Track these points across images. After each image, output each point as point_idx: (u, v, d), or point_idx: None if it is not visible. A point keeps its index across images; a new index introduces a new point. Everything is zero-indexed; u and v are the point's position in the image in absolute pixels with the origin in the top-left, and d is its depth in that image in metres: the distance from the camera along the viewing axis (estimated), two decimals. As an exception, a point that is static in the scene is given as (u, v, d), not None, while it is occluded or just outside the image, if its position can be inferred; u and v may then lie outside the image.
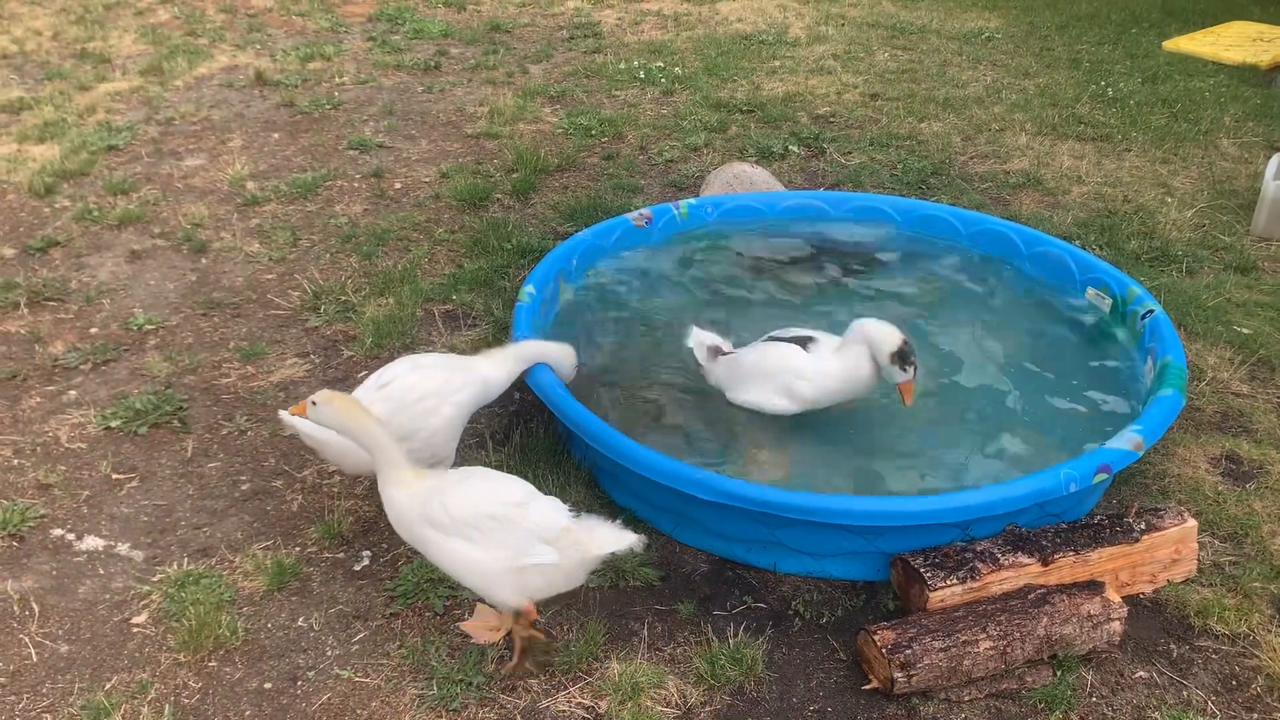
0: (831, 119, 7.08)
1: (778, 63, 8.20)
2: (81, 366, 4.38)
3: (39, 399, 4.17)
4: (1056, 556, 3.16)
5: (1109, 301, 4.26)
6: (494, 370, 3.55)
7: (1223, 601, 3.24)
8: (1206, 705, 2.96)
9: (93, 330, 4.67)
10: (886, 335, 3.51)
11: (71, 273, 5.15)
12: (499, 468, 3.70)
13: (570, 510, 2.92)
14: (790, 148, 6.54)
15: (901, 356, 3.50)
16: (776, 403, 3.68)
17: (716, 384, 3.82)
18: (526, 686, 2.97)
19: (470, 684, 2.95)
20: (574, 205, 5.74)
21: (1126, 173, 6.21)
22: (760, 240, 4.93)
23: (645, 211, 4.81)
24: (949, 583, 3.06)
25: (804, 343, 3.66)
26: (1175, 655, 3.12)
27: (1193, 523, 3.32)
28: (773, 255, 4.85)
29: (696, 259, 4.76)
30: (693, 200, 4.96)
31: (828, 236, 4.96)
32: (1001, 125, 6.90)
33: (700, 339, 3.91)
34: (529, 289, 4.09)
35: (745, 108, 7.25)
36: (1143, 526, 3.27)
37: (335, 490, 3.72)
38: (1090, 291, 4.36)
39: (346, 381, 4.24)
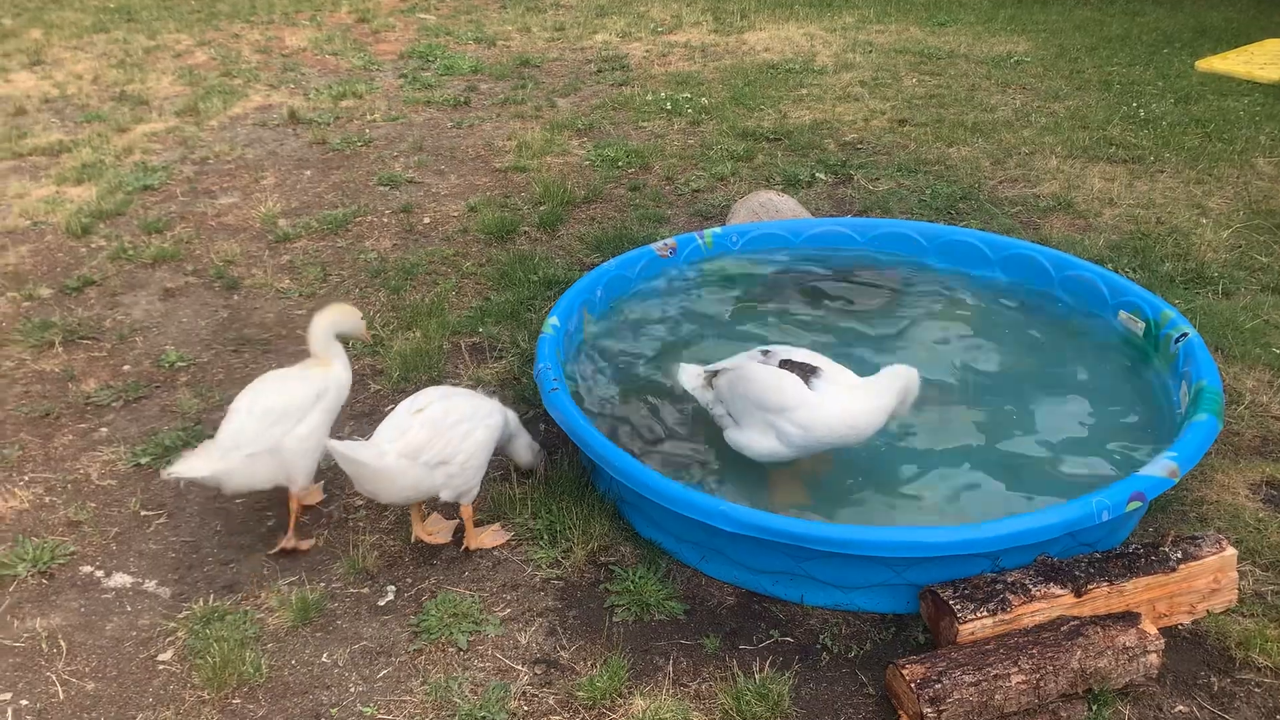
0: (859, 146, 7.06)
1: (804, 91, 8.20)
2: (113, 404, 4.43)
3: (71, 436, 4.22)
4: (1090, 587, 3.08)
5: (1142, 325, 4.19)
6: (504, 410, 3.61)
7: (1265, 632, 3.14)
8: (1249, 740, 2.87)
9: (125, 368, 4.72)
10: (917, 385, 3.47)
11: (106, 311, 5.22)
12: (524, 500, 3.72)
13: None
14: (817, 175, 6.52)
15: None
16: (763, 447, 3.49)
17: (718, 418, 3.68)
18: (550, 723, 2.94)
19: (493, 721, 2.92)
20: (600, 236, 5.75)
21: (1160, 194, 6.13)
22: (786, 268, 4.90)
23: (670, 241, 4.81)
24: (979, 615, 3.00)
25: (808, 374, 3.47)
26: (1216, 689, 3.03)
27: (1232, 551, 3.23)
28: (798, 283, 4.82)
29: (721, 288, 4.74)
30: (717, 229, 4.95)
31: (854, 264, 4.92)
32: (1031, 149, 6.85)
33: (690, 372, 3.80)
34: (553, 320, 4.09)
35: (772, 136, 7.25)
36: (1180, 555, 3.19)
37: (361, 524, 3.72)
38: (1123, 315, 4.29)
39: (373, 415, 4.26)
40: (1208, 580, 3.22)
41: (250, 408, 3.46)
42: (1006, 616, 3.02)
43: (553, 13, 11.86)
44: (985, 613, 3.01)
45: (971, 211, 5.99)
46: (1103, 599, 3.10)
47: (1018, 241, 4.79)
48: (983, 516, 3.42)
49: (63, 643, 3.22)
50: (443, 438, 3.33)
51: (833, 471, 3.74)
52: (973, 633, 3.00)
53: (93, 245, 5.94)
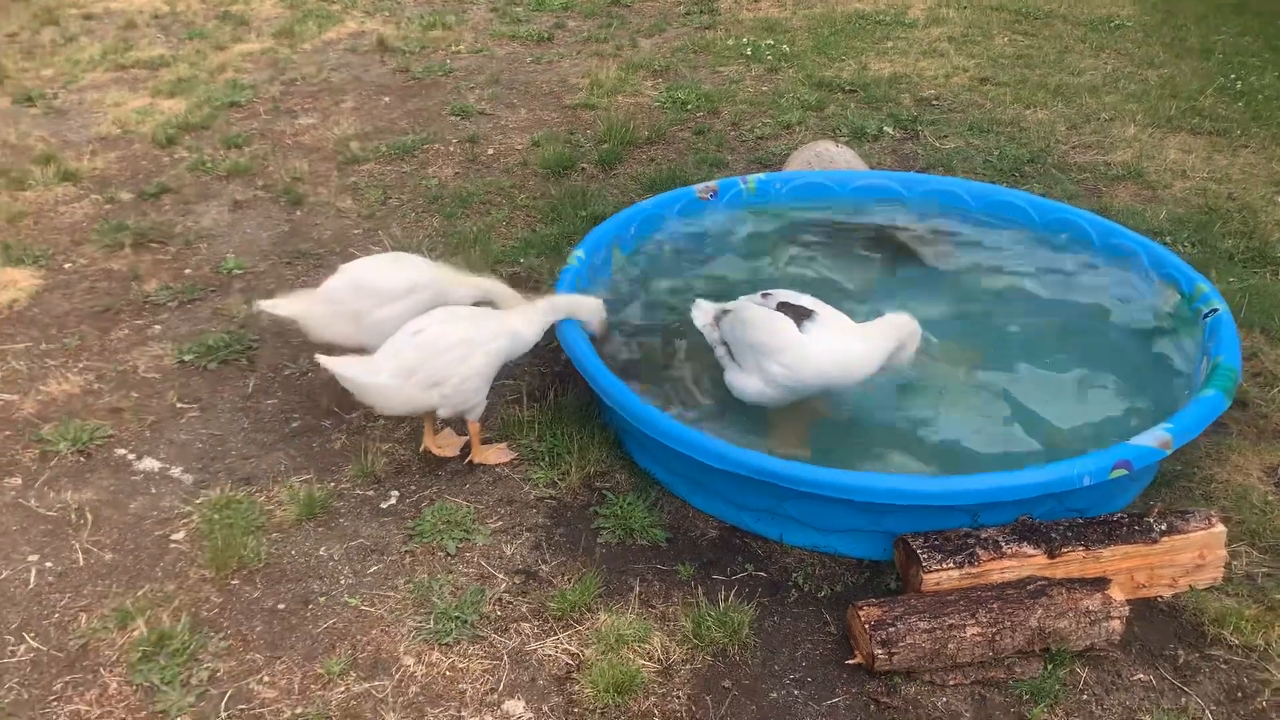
0: (935, 102, 6.93)
1: (890, 44, 8.05)
2: (169, 304, 4.70)
3: (127, 331, 4.50)
4: (1065, 550, 3.09)
5: (1176, 298, 4.09)
6: (524, 324, 3.67)
7: (1243, 612, 3.11)
8: (1204, 714, 2.86)
9: (186, 271, 4.99)
10: (918, 337, 3.49)
11: (177, 218, 5.50)
12: (532, 423, 3.85)
13: None
14: (885, 129, 6.44)
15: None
16: (752, 388, 3.54)
17: (720, 358, 3.72)
18: (518, 629, 3.09)
19: (466, 622, 3.08)
20: (655, 177, 5.81)
21: (1238, 169, 5.89)
22: (828, 219, 4.90)
23: (711, 184, 4.84)
24: (945, 566, 3.03)
25: (802, 317, 3.47)
26: (1181, 661, 3.01)
27: (1220, 528, 3.18)
28: (837, 235, 4.81)
29: (758, 234, 4.77)
30: (761, 175, 4.96)
31: (898, 218, 4.89)
32: (1112, 115, 6.63)
33: (703, 309, 3.83)
34: (578, 253, 4.18)
35: (848, 87, 7.16)
36: (1164, 528, 3.16)
37: (378, 433, 3.90)
38: (1158, 286, 4.19)
39: (406, 333, 4.43)
40: (1192, 555, 3.18)
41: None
42: (974, 570, 3.05)
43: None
44: (952, 564, 3.04)
45: (1036, 175, 5.86)
46: (1077, 563, 3.10)
47: (1062, 205, 4.69)
48: (977, 469, 3.44)
49: (89, 515, 3.49)
50: (436, 360, 3.46)
51: (836, 418, 3.78)
52: (938, 583, 3.04)
53: (175, 155, 6.24)
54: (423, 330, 3.54)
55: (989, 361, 4.03)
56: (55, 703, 2.85)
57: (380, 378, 3.46)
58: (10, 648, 3.01)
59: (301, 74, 7.60)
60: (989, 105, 6.83)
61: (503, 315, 3.70)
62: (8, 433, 3.85)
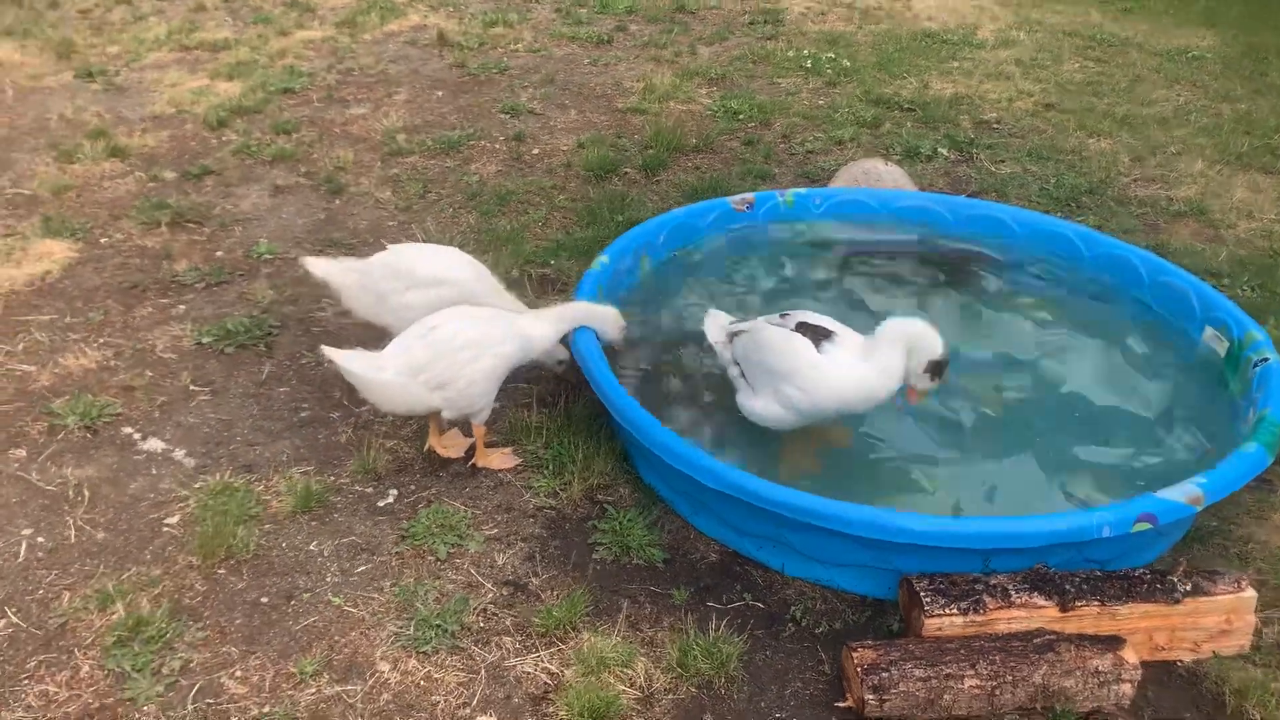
0: (995, 125, 6.73)
1: (955, 64, 7.85)
2: (196, 285, 4.69)
3: (151, 309, 4.50)
4: (1079, 604, 2.91)
5: (1226, 344, 3.88)
6: (537, 328, 3.58)
7: (1269, 685, 2.90)
8: (1215, 792, 2.67)
9: (218, 253, 4.99)
10: (934, 342, 3.26)
11: (217, 199, 5.51)
12: (540, 429, 3.76)
13: None
14: (939, 150, 6.26)
15: (938, 369, 3.27)
16: (768, 412, 3.41)
17: (733, 379, 3.59)
18: (499, 643, 2.99)
19: (446, 631, 2.99)
20: (698, 185, 5.69)
21: (1310, 213, 5.62)
22: (865, 238, 4.74)
23: (748, 196, 4.72)
24: (948, 611, 2.88)
25: (820, 338, 3.33)
26: (1196, 733, 2.83)
27: (1251, 593, 2.98)
28: (873, 256, 4.66)
29: (791, 250, 4.63)
30: (801, 190, 4.82)
31: (938, 243, 4.73)
32: (1179, 149, 6.37)
33: (716, 323, 3.71)
34: (602, 258, 4.09)
35: (906, 105, 6.98)
36: (1188, 588, 2.97)
37: (384, 429, 3.84)
38: (1208, 331, 3.98)
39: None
40: (1218, 619, 2.99)
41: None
42: (979, 618, 2.89)
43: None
44: (956, 610, 2.88)
45: (1094, 207, 5.64)
46: (1091, 619, 2.93)
47: (1112, 239, 4.49)
48: (1004, 513, 3.28)
49: (87, 493, 3.47)
50: (444, 360, 3.39)
51: (853, 448, 3.64)
52: (939, 628, 2.89)
53: (224, 138, 6.26)
54: (435, 328, 3.46)
55: (1021, 398, 3.87)
56: (27, 681, 2.82)
57: (386, 374, 3.39)
58: (-11, 621, 3.00)
59: (359, 64, 7.62)
60: (1051, 132, 6.61)
61: (515, 318, 3.61)
62: (20, 404, 3.86)
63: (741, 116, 6.74)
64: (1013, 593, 2.92)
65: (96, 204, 5.40)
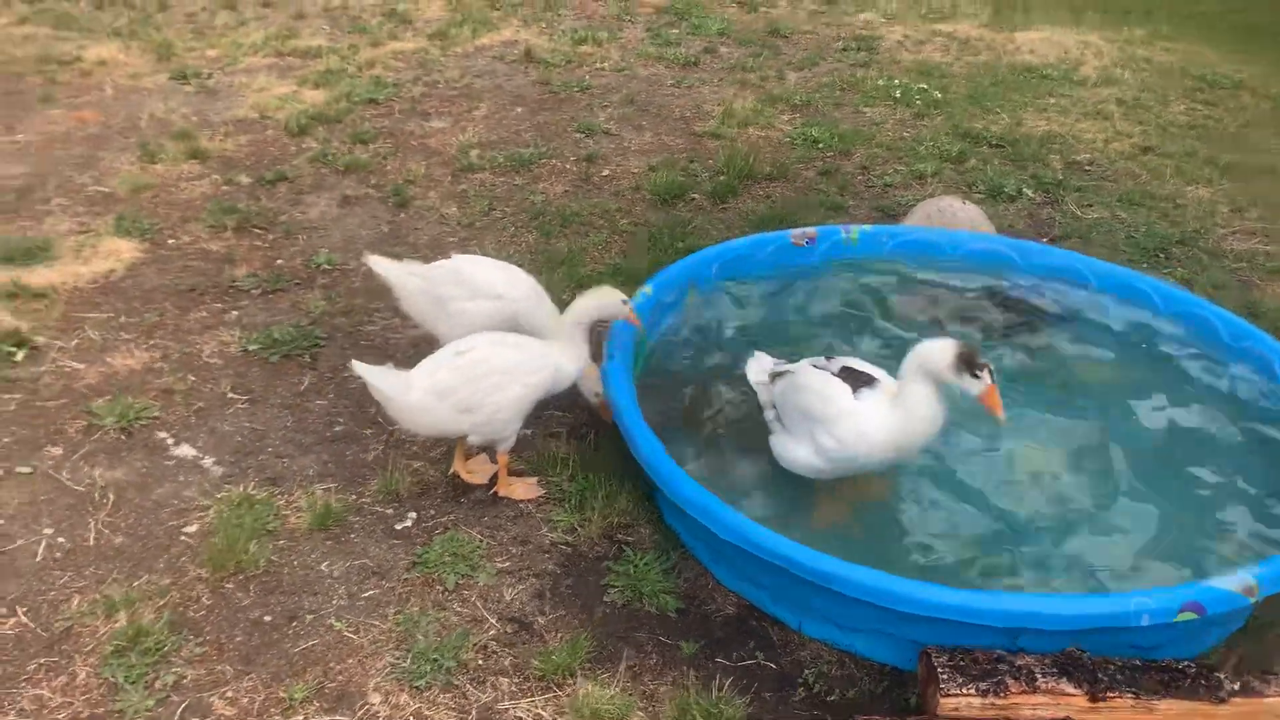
0: (1087, 167, 6.43)
1: (1053, 100, 7.55)
2: (252, 291, 4.73)
3: (205, 314, 4.55)
4: (1111, 694, 2.70)
5: (1309, 419, 3.60)
6: (568, 358, 3.51)
7: (1320, 802, 2.65)
8: None
9: (279, 261, 5.03)
10: (939, 348, 3.04)
11: (286, 206, 5.57)
12: (566, 461, 3.68)
13: None
14: (1024, 190, 6.01)
15: (966, 360, 3.00)
16: (799, 457, 3.28)
17: (769, 421, 3.47)
18: (495, 683, 2.90)
19: (442, 666, 2.92)
20: (766, 215, 5.56)
21: None
22: (932, 281, 4.55)
23: (810, 230, 4.56)
24: (966, 691, 2.69)
25: (861, 384, 3.17)
26: None
27: (1308, 698, 2.73)
28: (936, 300, 4.46)
29: (849, 289, 4.46)
30: (867, 226, 4.66)
31: (1006, 290, 4.51)
32: (1286, 201, 6.01)
33: (759, 365, 3.58)
34: (645, 289, 4.00)
35: (995, 142, 6.73)
36: (1236, 687, 2.73)
37: (414, 449, 3.80)
38: (1291, 403, 3.70)
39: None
40: (1268, 724, 2.74)
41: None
42: (1000, 701, 2.70)
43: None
44: (974, 690, 2.70)
45: (1184, 258, 5.34)
46: (1125, 711, 2.71)
47: (1194, 298, 4.22)
48: (1049, 588, 3.07)
49: (112, 496, 3.49)
50: (473, 385, 3.33)
51: (892, 505, 3.46)
52: (955, 709, 2.70)
53: (303, 145, 6.34)
54: (466, 352, 3.41)
55: (1081, 462, 3.63)
56: (25, 684, 2.83)
57: (413, 395, 3.34)
58: (1, 619, 3.02)
59: (445, 77, 7.67)
60: (1146, 177, 6.29)
61: (547, 347, 3.54)
62: (64, 401, 3.92)
63: (821, 145, 6.58)
64: (1039, 676, 2.72)
65: (170, 205, 5.51)
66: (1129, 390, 4.00)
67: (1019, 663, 2.76)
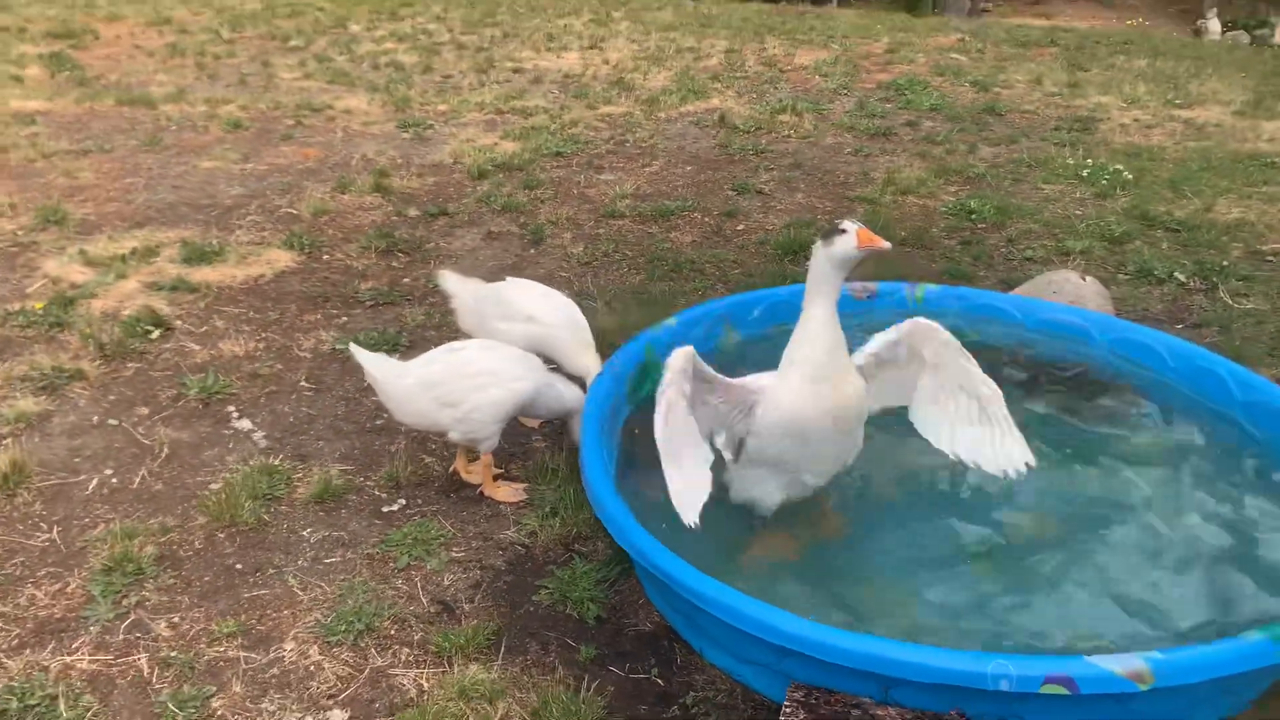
0: (1270, 258, 5.84)
1: (1266, 188, 6.90)
2: (368, 302, 5.26)
3: (320, 316, 5.11)
4: (965, 764, 2.51)
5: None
6: (567, 388, 3.75)
7: None
8: None
9: (404, 280, 5.56)
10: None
11: (437, 237, 6.14)
12: (555, 472, 3.85)
13: None
14: (1176, 275, 5.55)
15: (826, 233, 3.11)
16: (737, 477, 3.30)
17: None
18: (396, 652, 3.10)
19: (354, 629, 3.15)
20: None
21: None
22: (994, 347, 4.33)
23: (870, 285, 4.50)
24: (805, 729, 2.60)
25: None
26: None
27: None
28: (992, 367, 4.24)
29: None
30: (934, 286, 4.52)
31: (1074, 362, 4.22)
32: None
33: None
34: (670, 320, 4.11)
35: (1172, 225, 6.26)
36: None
37: (434, 447, 4.10)
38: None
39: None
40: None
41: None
42: (842, 748, 2.58)
43: (1098, 71, 11.08)
44: (814, 731, 2.59)
45: (1340, 358, 4.74)
46: (981, 786, 2.51)
47: (1271, 385, 3.77)
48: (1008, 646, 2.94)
49: (167, 451, 4.02)
50: (457, 382, 3.58)
51: (860, 542, 3.37)
52: (794, 746, 2.61)
53: (478, 188, 6.94)
54: (458, 350, 3.69)
55: (1088, 534, 3.38)
56: (30, 585, 3.33)
57: (405, 381, 3.65)
58: (37, 533, 3.57)
59: (636, 137, 8.11)
60: (1333, 272, 5.63)
61: (542, 368, 3.76)
62: (168, 373, 4.55)
63: (974, 216, 6.38)
64: (890, 730, 2.58)
65: (340, 227, 6.22)
66: (1182, 479, 3.64)
67: (876, 712, 2.63)
